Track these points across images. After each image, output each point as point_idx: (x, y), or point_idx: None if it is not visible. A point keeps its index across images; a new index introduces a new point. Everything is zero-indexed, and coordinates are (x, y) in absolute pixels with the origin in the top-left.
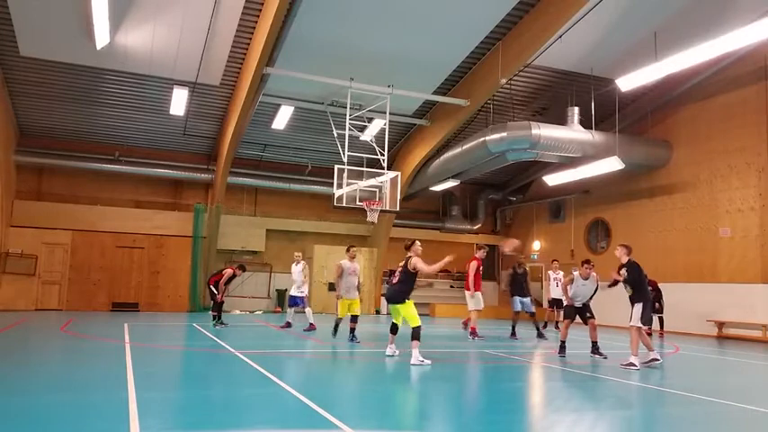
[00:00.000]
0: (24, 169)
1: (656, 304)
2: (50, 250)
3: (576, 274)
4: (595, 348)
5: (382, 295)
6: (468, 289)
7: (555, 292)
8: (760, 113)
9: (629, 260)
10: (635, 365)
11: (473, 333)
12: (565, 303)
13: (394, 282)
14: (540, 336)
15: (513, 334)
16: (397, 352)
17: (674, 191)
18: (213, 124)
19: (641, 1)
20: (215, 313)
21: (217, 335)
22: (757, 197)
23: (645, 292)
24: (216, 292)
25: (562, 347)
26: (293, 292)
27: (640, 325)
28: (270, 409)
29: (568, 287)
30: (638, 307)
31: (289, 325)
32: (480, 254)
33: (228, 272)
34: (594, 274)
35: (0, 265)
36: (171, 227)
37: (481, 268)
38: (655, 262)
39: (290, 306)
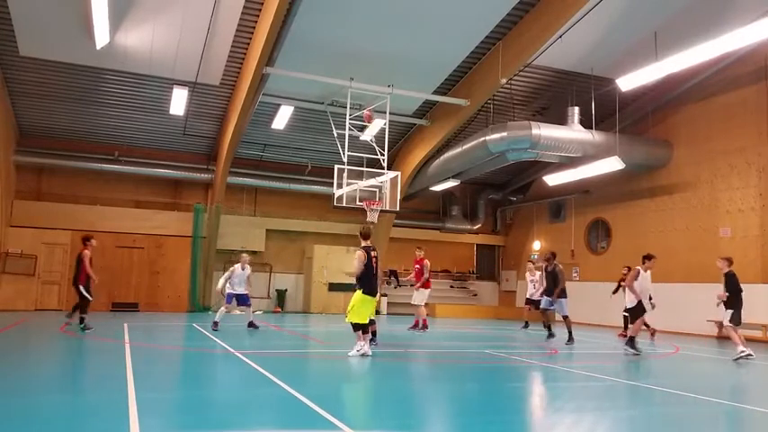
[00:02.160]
0: (24, 169)
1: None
2: (50, 250)
3: (638, 269)
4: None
5: (383, 295)
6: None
7: (530, 292)
8: (760, 113)
9: (729, 271)
10: (749, 354)
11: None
12: (637, 301)
13: (375, 273)
14: (551, 335)
15: (551, 334)
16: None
17: (675, 191)
18: (213, 124)
19: (641, 1)
20: (84, 314)
21: (216, 335)
22: (757, 197)
23: (737, 299)
24: (85, 293)
25: (632, 341)
26: (241, 291)
27: (731, 325)
28: (270, 409)
29: (634, 284)
30: (729, 312)
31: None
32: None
33: (86, 253)
34: None
35: (0, 265)
36: (171, 227)
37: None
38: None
39: (244, 305)
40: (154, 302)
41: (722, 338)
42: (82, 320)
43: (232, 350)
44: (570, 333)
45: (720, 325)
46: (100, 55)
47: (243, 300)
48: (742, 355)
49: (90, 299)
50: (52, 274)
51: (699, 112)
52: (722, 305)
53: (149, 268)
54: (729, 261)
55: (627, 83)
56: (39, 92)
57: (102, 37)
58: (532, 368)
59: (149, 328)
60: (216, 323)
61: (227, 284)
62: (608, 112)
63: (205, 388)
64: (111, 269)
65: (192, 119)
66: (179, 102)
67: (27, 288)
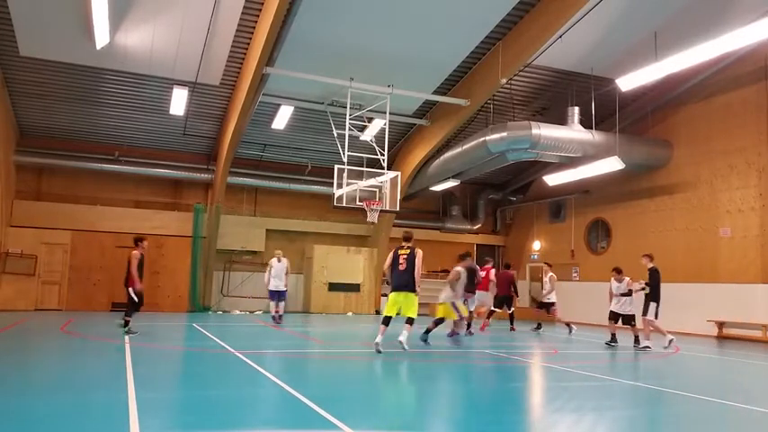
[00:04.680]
0: (24, 169)
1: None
2: (50, 250)
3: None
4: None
5: (383, 295)
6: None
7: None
8: (760, 113)
9: (652, 267)
10: (649, 347)
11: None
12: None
13: (402, 268)
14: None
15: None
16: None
17: (675, 191)
18: (213, 124)
19: (641, 1)
20: (128, 318)
21: (216, 334)
22: (757, 197)
23: (658, 293)
24: (134, 295)
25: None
26: (278, 286)
27: (653, 318)
28: (270, 409)
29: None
30: (653, 305)
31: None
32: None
33: (136, 254)
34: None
35: (0, 265)
36: (171, 227)
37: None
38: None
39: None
40: (154, 302)
41: (722, 338)
42: (126, 323)
43: (232, 350)
44: (468, 326)
45: (720, 324)
46: (100, 55)
47: (282, 295)
48: (645, 348)
49: (135, 300)
50: (52, 274)
51: (699, 112)
52: (643, 297)
53: (149, 268)
54: (651, 257)
55: (627, 83)
56: (39, 92)
57: (102, 37)
58: (532, 368)
59: (149, 328)
60: (274, 317)
61: (272, 280)
62: (608, 112)
63: (205, 388)
64: (111, 269)
65: (192, 119)
66: (179, 102)
67: (27, 288)
